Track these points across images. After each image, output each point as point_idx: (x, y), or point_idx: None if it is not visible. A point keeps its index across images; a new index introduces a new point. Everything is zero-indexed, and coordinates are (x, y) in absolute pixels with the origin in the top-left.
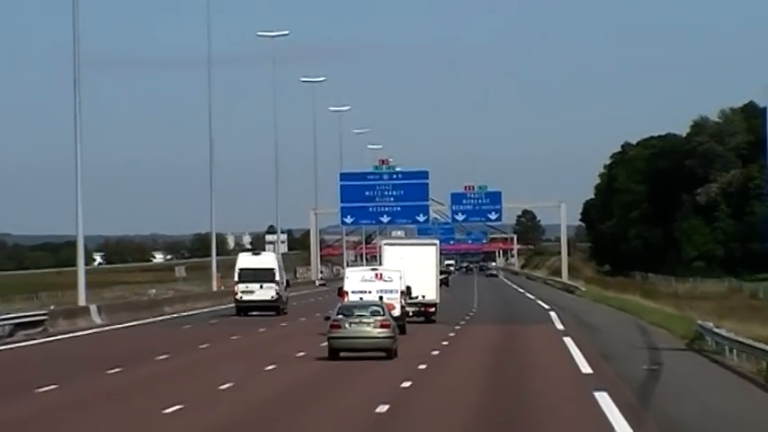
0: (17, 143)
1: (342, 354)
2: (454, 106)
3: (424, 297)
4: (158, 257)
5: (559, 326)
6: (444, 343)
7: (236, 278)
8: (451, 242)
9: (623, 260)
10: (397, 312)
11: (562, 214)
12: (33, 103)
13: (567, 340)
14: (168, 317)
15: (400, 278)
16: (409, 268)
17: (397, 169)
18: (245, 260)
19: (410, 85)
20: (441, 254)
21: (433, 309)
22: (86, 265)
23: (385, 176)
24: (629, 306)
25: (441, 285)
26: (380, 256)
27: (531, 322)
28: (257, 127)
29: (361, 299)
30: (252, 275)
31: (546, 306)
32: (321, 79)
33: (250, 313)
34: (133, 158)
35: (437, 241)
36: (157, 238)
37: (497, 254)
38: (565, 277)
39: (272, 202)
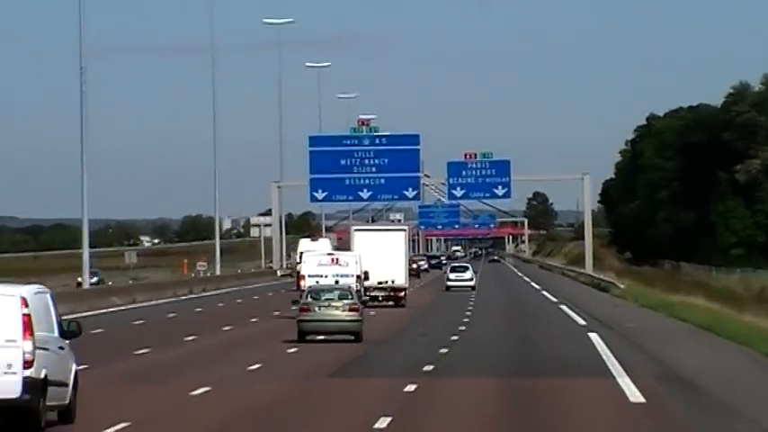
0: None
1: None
2: (458, 80)
3: (393, 282)
4: (146, 242)
5: (626, 382)
6: None
7: (297, 260)
8: (456, 226)
9: (649, 247)
10: None
11: (585, 189)
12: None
13: None
14: None
15: (356, 263)
16: (379, 254)
17: (381, 132)
18: (306, 245)
19: (409, 61)
20: (447, 239)
21: (403, 293)
22: (73, 249)
23: (365, 141)
24: (713, 322)
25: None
26: (351, 241)
27: (565, 370)
28: (253, 109)
29: (317, 282)
30: None
31: (579, 319)
32: (288, 21)
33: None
34: (139, 143)
35: (406, 227)
36: (165, 222)
37: (507, 239)
38: (589, 268)
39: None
